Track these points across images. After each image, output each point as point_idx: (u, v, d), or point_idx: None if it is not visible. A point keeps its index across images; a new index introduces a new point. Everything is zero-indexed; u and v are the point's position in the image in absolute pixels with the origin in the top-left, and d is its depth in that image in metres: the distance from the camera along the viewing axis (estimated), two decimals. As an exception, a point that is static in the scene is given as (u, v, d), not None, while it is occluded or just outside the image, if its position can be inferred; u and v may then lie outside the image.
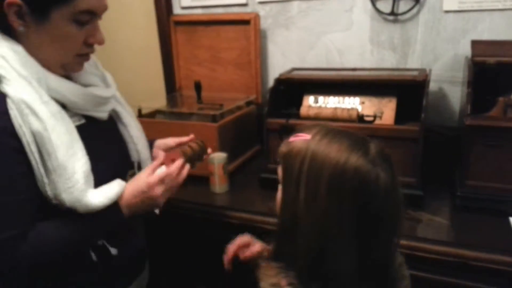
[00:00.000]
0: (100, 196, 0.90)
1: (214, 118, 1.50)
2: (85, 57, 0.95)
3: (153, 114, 1.67)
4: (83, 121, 0.97)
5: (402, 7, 1.59)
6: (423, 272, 1.13)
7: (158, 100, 1.88)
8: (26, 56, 0.86)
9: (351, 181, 0.69)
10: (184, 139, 1.21)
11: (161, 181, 0.98)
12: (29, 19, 0.85)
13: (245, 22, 1.74)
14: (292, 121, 1.41)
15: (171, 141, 1.23)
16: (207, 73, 1.87)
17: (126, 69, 2.15)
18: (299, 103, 1.51)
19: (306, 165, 0.72)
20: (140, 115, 1.63)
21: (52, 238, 0.86)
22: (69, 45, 0.90)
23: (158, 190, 0.97)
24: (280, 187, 0.80)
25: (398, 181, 0.73)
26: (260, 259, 0.88)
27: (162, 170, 0.99)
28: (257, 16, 1.74)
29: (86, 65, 0.99)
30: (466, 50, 1.50)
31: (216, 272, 1.47)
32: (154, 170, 0.99)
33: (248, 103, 1.73)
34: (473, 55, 1.40)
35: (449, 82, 1.59)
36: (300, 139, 0.75)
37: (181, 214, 1.42)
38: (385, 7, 1.61)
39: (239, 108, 1.68)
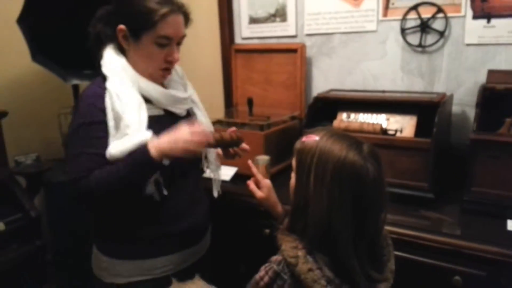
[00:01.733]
0: (115, 149, 1.16)
1: (261, 128, 1.82)
2: (166, 71, 1.29)
3: (212, 123, 2.02)
4: (162, 112, 1.30)
5: (429, 40, 1.84)
6: (424, 257, 1.36)
7: (218, 113, 2.23)
8: (125, 64, 1.25)
9: (349, 172, 0.92)
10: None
11: (191, 131, 1.15)
12: (130, 41, 1.24)
13: (293, 50, 2.07)
14: (325, 132, 1.68)
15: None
16: (260, 92, 2.21)
17: (194, 87, 2.54)
18: (334, 119, 1.79)
19: (316, 159, 0.94)
20: (202, 124, 1.99)
21: (105, 171, 1.16)
22: (153, 60, 1.25)
23: (187, 138, 1.13)
24: (293, 175, 1.04)
25: (384, 173, 0.97)
26: (278, 231, 1.06)
27: (200, 128, 1.17)
28: (303, 46, 2.06)
29: (175, 75, 1.37)
30: (485, 78, 1.71)
31: (255, 252, 1.76)
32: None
33: (293, 118, 2.04)
34: (487, 82, 1.62)
35: (470, 105, 1.80)
36: (311, 139, 1.00)
37: (231, 204, 1.73)
38: (414, 40, 1.87)
39: (284, 121, 1.99)
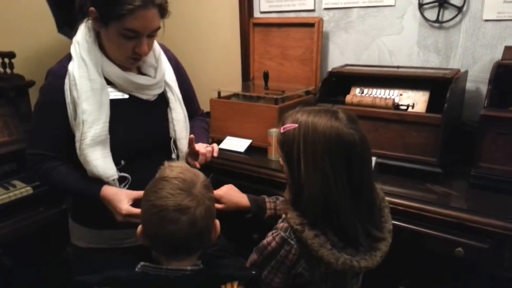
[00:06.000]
0: (98, 163, 1.21)
1: (276, 101, 1.86)
2: (134, 60, 1.24)
3: (229, 96, 2.08)
4: (126, 96, 1.28)
5: (447, 15, 1.83)
6: (428, 229, 1.40)
7: (235, 86, 2.28)
8: (93, 45, 1.23)
9: (337, 144, 0.96)
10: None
11: (123, 215, 1.18)
12: (100, 25, 1.19)
13: (311, 25, 2.08)
14: (337, 106, 1.71)
15: (202, 149, 1.35)
16: (276, 66, 2.23)
17: (213, 60, 2.62)
18: (348, 93, 1.81)
19: (302, 145, 0.98)
20: (219, 97, 2.04)
21: (56, 176, 1.26)
22: (120, 50, 1.21)
23: (118, 218, 1.20)
24: (282, 162, 1.06)
25: (364, 133, 1.01)
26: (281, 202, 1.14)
27: (137, 211, 1.12)
28: (321, 20, 2.06)
29: (151, 58, 1.32)
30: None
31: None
32: (135, 199, 1.19)
33: (307, 93, 2.07)
34: (502, 58, 1.61)
35: (485, 82, 1.77)
36: (290, 128, 1.00)
37: (244, 173, 1.80)
38: (432, 15, 1.86)
39: (299, 96, 2.03)
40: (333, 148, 0.96)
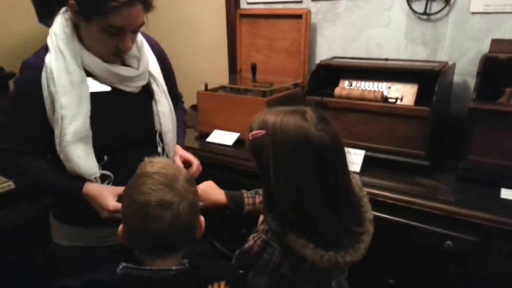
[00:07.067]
0: (80, 161, 1.18)
1: (264, 94, 1.84)
2: (116, 56, 1.21)
3: (216, 89, 2.05)
4: (108, 89, 1.23)
5: (434, 8, 1.83)
6: (417, 222, 1.40)
7: (222, 78, 2.25)
8: (71, 35, 1.17)
9: (308, 148, 0.90)
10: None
11: (110, 211, 1.16)
12: (81, 18, 1.14)
13: (298, 16, 2.05)
14: (326, 99, 1.70)
15: (192, 159, 1.40)
16: (264, 59, 2.20)
17: (199, 52, 2.58)
18: (337, 86, 1.80)
19: (271, 151, 0.92)
20: (206, 89, 2.01)
21: (31, 173, 1.22)
22: (102, 46, 1.17)
23: (104, 214, 1.18)
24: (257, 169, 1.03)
25: (337, 131, 0.95)
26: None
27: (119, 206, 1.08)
28: (308, 12, 2.04)
29: (133, 48, 1.26)
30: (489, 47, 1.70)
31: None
32: (119, 195, 1.16)
33: (295, 85, 2.05)
34: (490, 51, 1.62)
35: (472, 75, 1.78)
36: (259, 135, 0.95)
37: (232, 167, 1.78)
38: (419, 7, 1.85)
39: (287, 89, 2.01)
40: (302, 151, 0.91)
